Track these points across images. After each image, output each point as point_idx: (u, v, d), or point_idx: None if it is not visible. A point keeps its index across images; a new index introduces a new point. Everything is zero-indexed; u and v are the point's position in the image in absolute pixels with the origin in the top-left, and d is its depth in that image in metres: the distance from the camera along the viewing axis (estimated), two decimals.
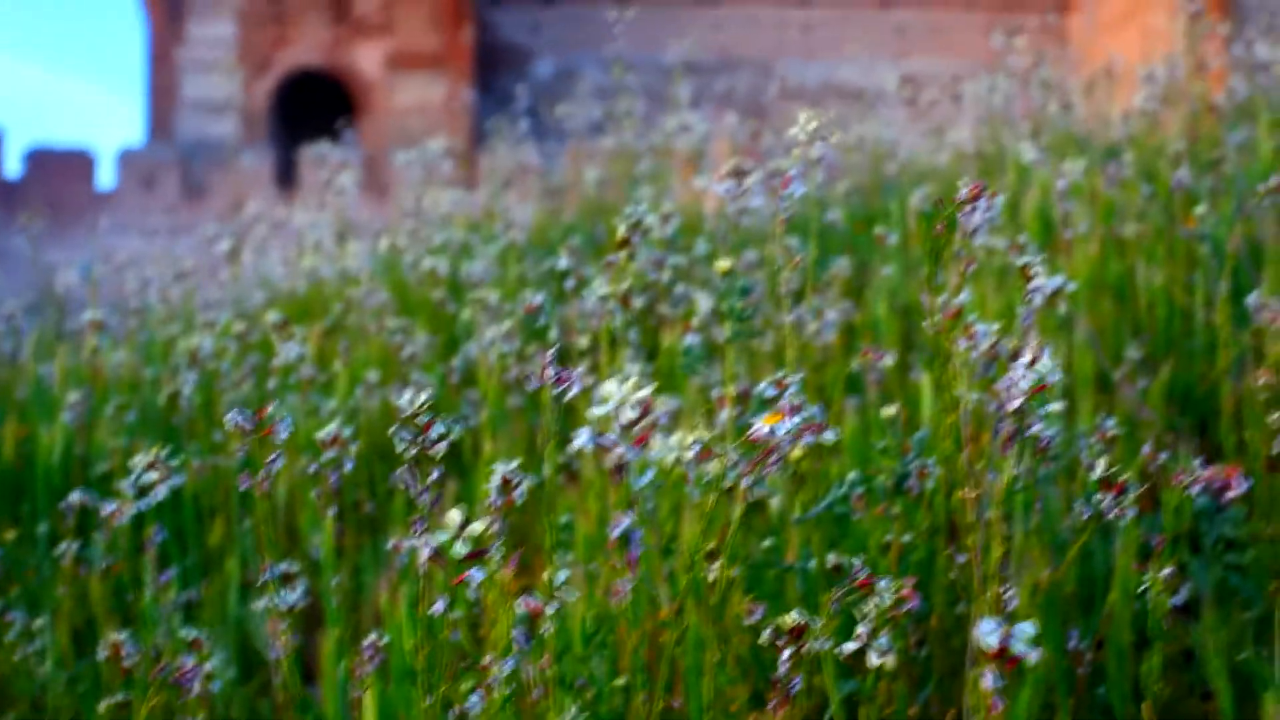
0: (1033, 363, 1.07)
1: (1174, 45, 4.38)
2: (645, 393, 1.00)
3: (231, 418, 1.31)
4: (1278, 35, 3.89)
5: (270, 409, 1.55)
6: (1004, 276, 2.89)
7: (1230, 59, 4.24)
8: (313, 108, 40.15)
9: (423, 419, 1.40)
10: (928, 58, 43.14)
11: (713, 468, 1.74)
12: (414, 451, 1.33)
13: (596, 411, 1.01)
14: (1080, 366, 2.54)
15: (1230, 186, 2.97)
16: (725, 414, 1.95)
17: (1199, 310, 2.56)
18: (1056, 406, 1.89)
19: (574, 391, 1.40)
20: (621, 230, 2.22)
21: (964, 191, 1.56)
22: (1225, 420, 2.01)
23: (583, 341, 3.08)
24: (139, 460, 1.86)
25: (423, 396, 1.37)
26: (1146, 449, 1.80)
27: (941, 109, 5.29)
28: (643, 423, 1.00)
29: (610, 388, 1.00)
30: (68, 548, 2.29)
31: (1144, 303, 2.72)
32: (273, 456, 1.34)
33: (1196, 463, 1.60)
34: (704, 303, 3.03)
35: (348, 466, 1.92)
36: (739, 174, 2.03)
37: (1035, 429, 1.28)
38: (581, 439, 1.00)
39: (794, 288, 2.92)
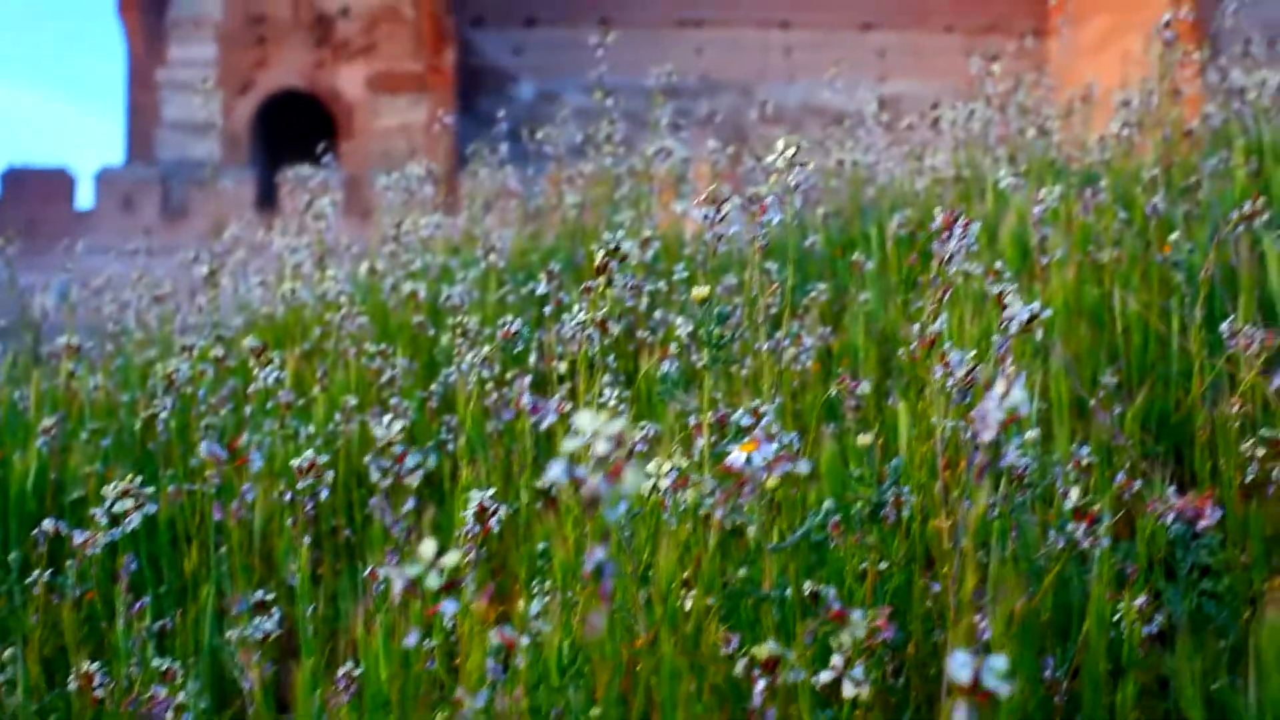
0: (1005, 394, 1.07)
1: (1150, 70, 4.42)
2: (619, 425, 0.99)
3: (206, 448, 1.30)
4: (1252, 61, 3.93)
5: (244, 438, 1.55)
6: (981, 302, 2.90)
7: (1205, 85, 4.29)
8: (294, 128, 40.12)
9: (398, 448, 1.40)
10: (908, 80, 43.44)
11: (689, 496, 1.74)
12: (389, 482, 1.32)
13: (570, 444, 1.01)
14: (1056, 392, 2.54)
15: (1205, 213, 2.99)
16: (702, 441, 1.94)
17: (1174, 336, 2.57)
18: (1031, 434, 1.90)
19: (549, 421, 1.40)
20: (599, 257, 2.22)
21: (939, 220, 1.57)
22: (1199, 447, 2.02)
23: (561, 367, 3.08)
24: (111, 488, 1.85)
25: (398, 426, 1.36)
26: (1121, 477, 1.81)
27: (921, 133, 5.31)
28: (616, 455, 0.99)
29: (584, 420, 1.00)
30: (39, 575, 2.27)
31: (1120, 328, 2.74)
32: (247, 487, 1.33)
33: (1171, 490, 1.60)
34: (682, 327, 3.04)
35: (324, 494, 1.90)
36: (717, 201, 2.04)
37: (1010, 459, 1.28)
38: (554, 472, 1.00)
39: (772, 313, 2.92)
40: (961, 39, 45.48)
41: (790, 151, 2.10)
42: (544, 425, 1.28)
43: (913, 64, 44.12)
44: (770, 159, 2.07)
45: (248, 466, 1.43)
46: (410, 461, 1.33)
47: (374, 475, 1.36)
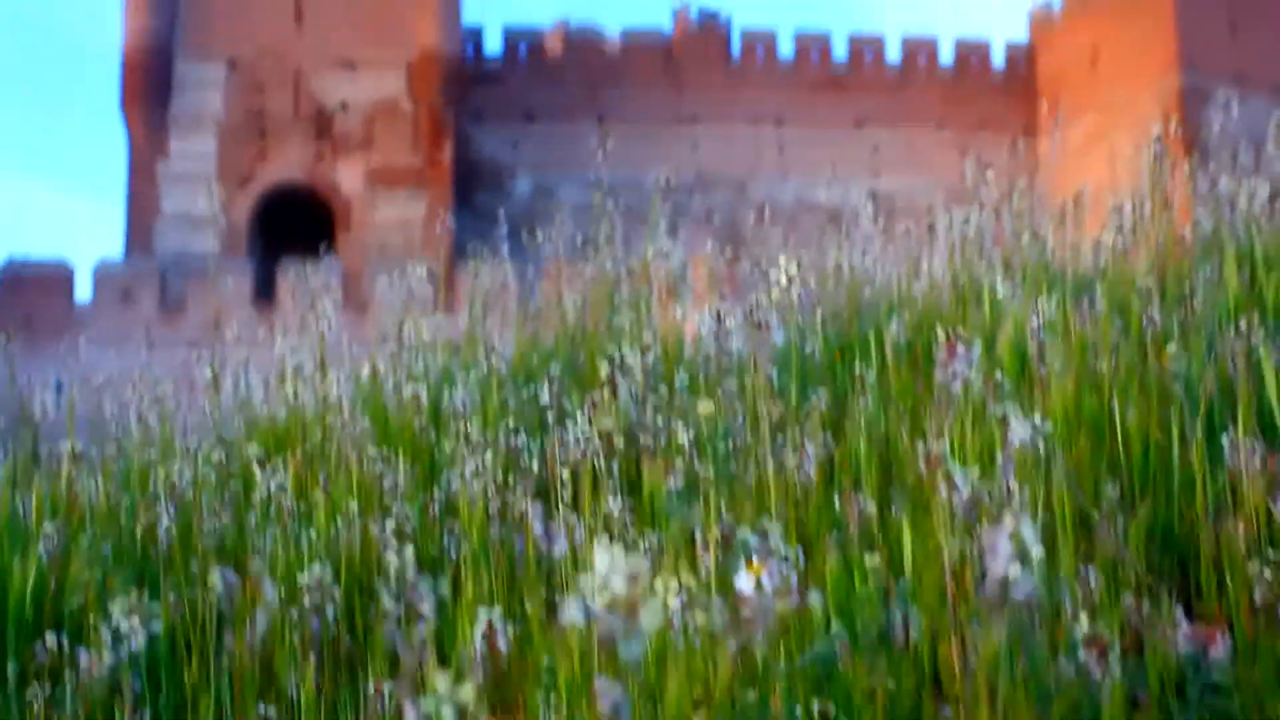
0: (1014, 533, 1.08)
1: (1139, 171, 4.50)
2: (635, 564, 1.01)
3: (219, 578, 1.30)
4: (1242, 170, 4.01)
5: (254, 563, 1.55)
6: (982, 411, 2.92)
7: (1194, 192, 4.36)
8: (293, 221, 40.52)
9: (408, 577, 1.40)
10: (900, 176, 44.08)
11: (698, 619, 1.74)
12: (399, 612, 1.32)
13: (585, 582, 1.02)
14: (1059, 504, 2.55)
15: (1200, 323, 3.03)
16: (708, 559, 1.95)
17: (1175, 448, 2.59)
18: (1037, 551, 1.90)
19: (560, 550, 1.41)
20: (604, 371, 2.25)
21: (941, 345, 1.60)
22: (1205, 565, 2.03)
23: (564, 474, 3.08)
24: (117, 609, 1.85)
25: (410, 552, 1.37)
26: (1129, 600, 1.81)
27: (917, 236, 5.38)
28: (633, 592, 1.00)
29: (601, 560, 1.01)
30: (38, 692, 2.25)
31: (1120, 439, 2.75)
32: (260, 615, 1.33)
33: (1179, 613, 1.61)
34: (684, 435, 3.05)
35: (330, 612, 1.90)
36: (719, 317, 2.07)
37: (1019, 591, 1.29)
38: (571, 613, 1.01)
39: (774, 421, 2.94)
40: (953, 136, 46.23)
41: (793, 268, 2.14)
42: (556, 553, 1.28)
43: (905, 160, 44.78)
44: (768, 265, 2.11)
45: (260, 593, 1.43)
46: (424, 594, 1.33)
47: (386, 603, 1.36)
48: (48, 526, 3.18)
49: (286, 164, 40.30)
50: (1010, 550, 1.10)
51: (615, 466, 2.89)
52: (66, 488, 3.48)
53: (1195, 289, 3.30)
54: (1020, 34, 48.32)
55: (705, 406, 1.93)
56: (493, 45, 44.40)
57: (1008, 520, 1.10)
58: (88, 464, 3.97)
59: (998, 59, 46.72)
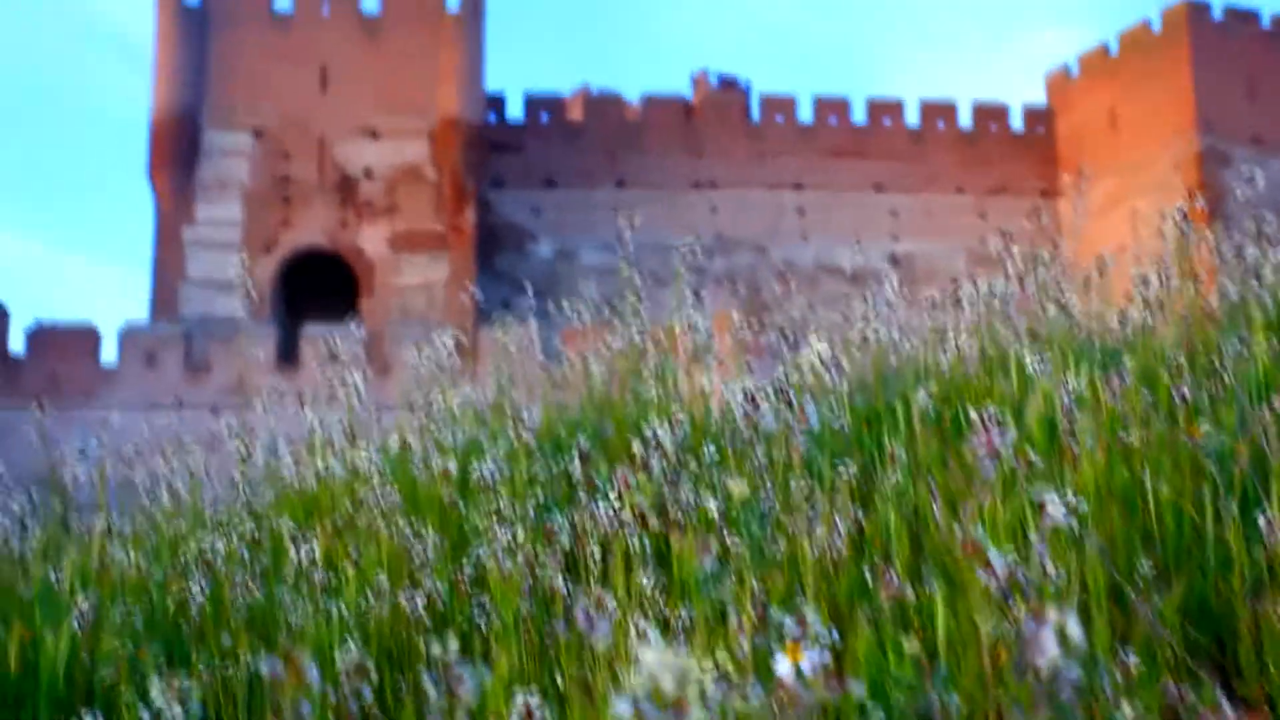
0: (1060, 627, 1.09)
1: (1161, 235, 4.52)
2: (684, 661, 1.01)
3: (267, 669, 1.31)
4: (1268, 239, 4.03)
5: (285, 641, 1.56)
6: (1012, 482, 2.92)
7: (1220, 261, 4.38)
8: (316, 283, 40.91)
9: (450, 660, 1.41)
10: (920, 239, 44.26)
11: (735, 703, 1.73)
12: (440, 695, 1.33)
13: (634, 680, 1.03)
14: (1093, 580, 2.54)
15: (1231, 396, 3.03)
16: (744, 638, 1.95)
17: (1209, 523, 2.58)
18: (1080, 643, 1.90)
19: (603, 636, 1.42)
20: (636, 449, 2.27)
21: (978, 436, 1.60)
22: (1246, 645, 2.01)
23: (594, 549, 3.09)
24: (154, 688, 1.85)
25: (454, 645, 1.38)
26: (1169, 686, 1.80)
27: (942, 305, 5.39)
28: (680, 694, 1.01)
29: (649, 657, 1.02)
30: None
31: (1153, 513, 2.74)
32: (305, 708, 1.34)
33: (1219, 695, 1.60)
34: (714, 507, 3.05)
35: (366, 694, 1.91)
36: (753, 400, 2.09)
37: (1065, 684, 1.29)
38: (621, 709, 1.02)
39: (804, 494, 2.95)
40: (972, 199, 46.44)
41: (823, 349, 2.16)
42: (599, 641, 1.29)
43: (924, 223, 44.96)
44: (791, 330, 2.13)
45: (303, 679, 1.44)
46: (466, 680, 1.34)
47: (427, 688, 1.37)
48: (80, 599, 3.20)
49: (310, 229, 40.75)
50: (1056, 645, 1.10)
51: (645, 541, 2.90)
52: (99, 558, 3.50)
53: (1224, 360, 3.30)
54: (1038, 96, 48.68)
55: (738, 487, 1.94)
56: (514, 111, 44.96)
57: (1052, 615, 1.11)
58: (118, 535, 4.00)
59: (1016, 121, 47.00)
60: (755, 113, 46.09)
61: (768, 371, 6.13)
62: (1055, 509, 1.71)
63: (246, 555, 3.43)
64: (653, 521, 2.89)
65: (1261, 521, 2.07)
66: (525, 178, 44.21)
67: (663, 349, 5.35)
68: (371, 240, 41.09)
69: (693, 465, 3.53)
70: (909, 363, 5.00)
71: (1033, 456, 2.56)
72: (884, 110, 46.48)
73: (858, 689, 1.30)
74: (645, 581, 2.62)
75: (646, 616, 2.55)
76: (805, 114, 45.88)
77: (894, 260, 41.44)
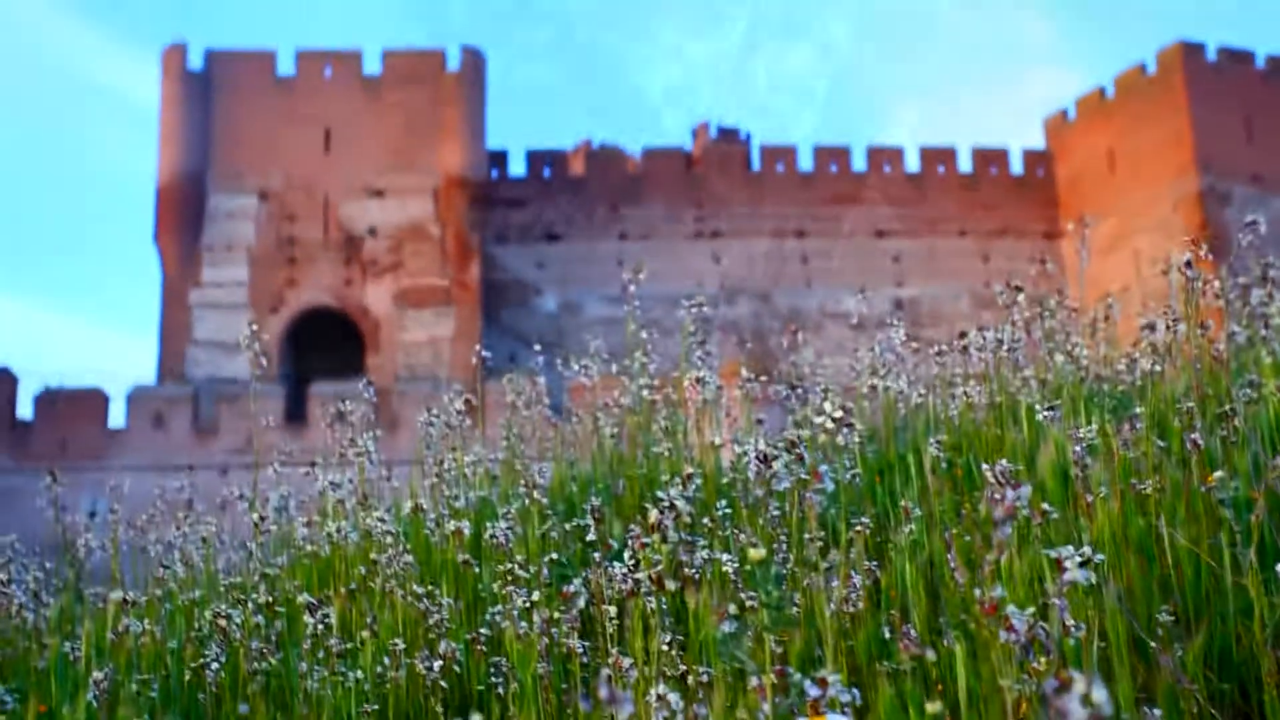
0: (1086, 697, 1.09)
1: (1161, 273, 4.54)
2: None
3: None
4: (1274, 283, 4.03)
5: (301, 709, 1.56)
6: (1027, 532, 2.91)
7: (1225, 304, 4.39)
8: (323, 340, 41.03)
9: None
10: (924, 283, 44.35)
11: None
12: None
13: None
14: (1113, 630, 2.53)
15: (1243, 440, 3.03)
16: (766, 707, 1.94)
17: (1228, 571, 2.57)
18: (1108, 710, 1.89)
19: (625, 712, 1.41)
20: (652, 516, 2.27)
21: (992, 498, 1.61)
22: (1271, 694, 2.00)
23: (610, 610, 3.08)
24: None
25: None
26: None
27: (949, 353, 5.40)
28: None
29: None
30: None
31: (1170, 562, 2.74)
32: None
33: None
34: (729, 564, 3.05)
35: None
36: (765, 459, 2.09)
37: None
38: None
39: (819, 550, 2.94)
40: (974, 243, 46.57)
41: (837, 412, 2.18)
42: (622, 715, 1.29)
43: (927, 268, 45.05)
44: (797, 380, 2.14)
45: None
46: None
47: None
48: (96, 671, 3.19)
49: (316, 288, 40.92)
50: (1080, 708, 1.10)
51: (662, 600, 2.89)
52: (114, 628, 3.49)
53: (1236, 407, 3.30)
54: (1036, 139, 48.94)
55: (756, 553, 1.94)
56: (516, 167, 45.27)
57: (1076, 681, 1.11)
58: (133, 604, 3.99)
59: (1015, 165, 47.21)
60: (756, 162, 46.36)
61: (777, 422, 6.13)
62: (1074, 571, 1.72)
63: (262, 622, 3.42)
64: (668, 582, 2.88)
65: None
66: (529, 232, 44.45)
67: (671, 403, 5.36)
68: (377, 297, 41.26)
69: (706, 521, 3.53)
70: (918, 411, 5.00)
71: (1046, 506, 2.56)
72: (884, 157, 46.74)
73: None
74: (663, 643, 2.61)
75: (665, 678, 2.54)
76: (805, 163, 46.14)
77: (898, 305, 41.51)
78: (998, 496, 1.69)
